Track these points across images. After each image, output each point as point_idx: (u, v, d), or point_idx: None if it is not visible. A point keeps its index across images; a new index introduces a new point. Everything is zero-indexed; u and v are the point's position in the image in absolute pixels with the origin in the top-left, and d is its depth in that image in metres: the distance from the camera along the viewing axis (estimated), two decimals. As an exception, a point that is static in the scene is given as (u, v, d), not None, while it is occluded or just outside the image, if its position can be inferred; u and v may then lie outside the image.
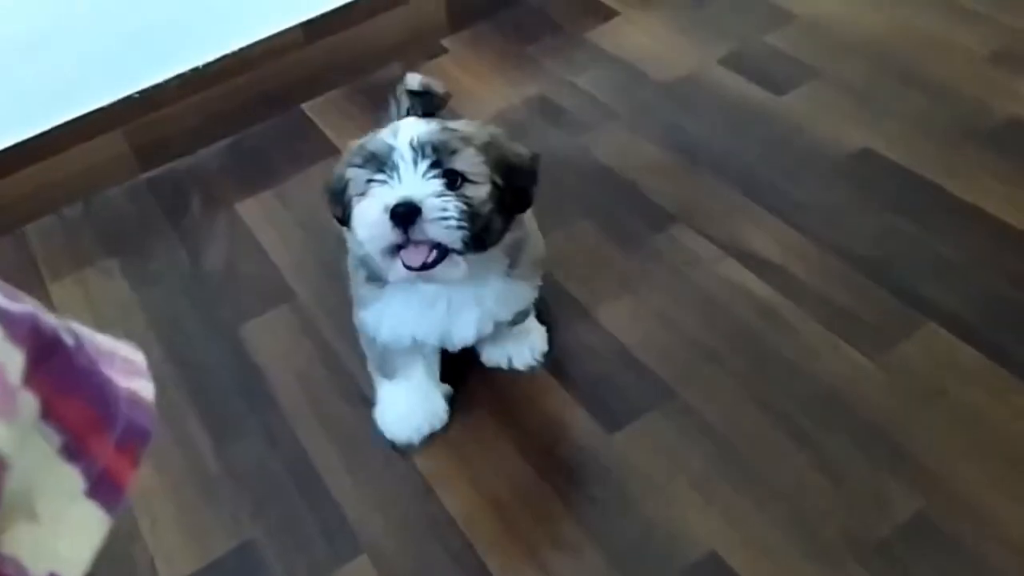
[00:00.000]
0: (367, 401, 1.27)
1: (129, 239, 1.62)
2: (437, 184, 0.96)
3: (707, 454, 1.14)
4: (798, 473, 1.10)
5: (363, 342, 1.21)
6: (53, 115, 1.63)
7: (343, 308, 1.35)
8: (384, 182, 0.97)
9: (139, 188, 1.72)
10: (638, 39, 1.82)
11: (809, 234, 1.37)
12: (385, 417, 1.23)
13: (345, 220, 1.04)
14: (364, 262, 1.08)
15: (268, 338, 1.40)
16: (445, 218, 0.94)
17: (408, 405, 1.21)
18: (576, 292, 1.36)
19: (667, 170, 1.53)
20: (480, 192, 0.98)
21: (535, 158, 1.06)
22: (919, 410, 1.14)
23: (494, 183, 0.99)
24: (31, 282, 1.55)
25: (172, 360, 1.39)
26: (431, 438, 1.21)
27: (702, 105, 1.64)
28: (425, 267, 0.97)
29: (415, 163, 0.96)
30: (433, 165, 0.96)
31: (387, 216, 0.94)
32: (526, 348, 1.28)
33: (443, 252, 0.97)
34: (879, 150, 1.47)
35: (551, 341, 1.30)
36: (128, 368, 0.49)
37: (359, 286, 1.13)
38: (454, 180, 0.97)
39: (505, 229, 1.03)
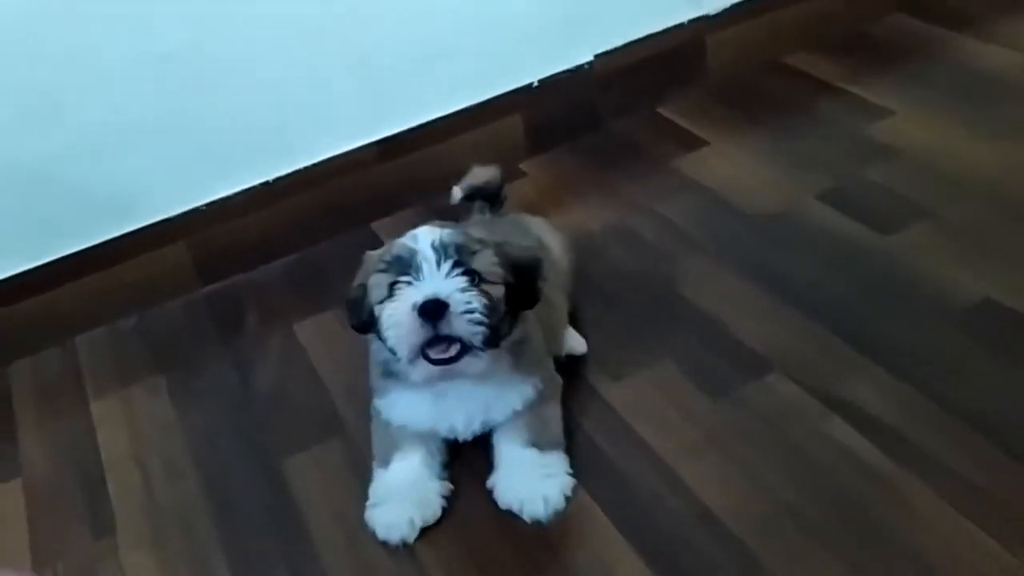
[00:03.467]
0: (408, 547, 1.13)
1: (180, 355, 1.55)
2: (461, 281, 1.03)
3: (807, 653, 0.95)
4: None
5: (373, 427, 1.22)
6: (118, 224, 1.60)
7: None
8: (409, 283, 1.03)
9: (197, 302, 1.66)
10: (728, 170, 1.71)
11: (926, 391, 1.19)
12: (375, 514, 1.16)
13: (366, 327, 1.11)
14: (385, 363, 1.14)
15: (311, 473, 1.28)
16: (471, 311, 1.01)
17: (399, 495, 1.15)
18: (653, 441, 1.21)
19: (758, 310, 1.38)
20: (496, 291, 1.06)
21: (538, 259, 1.15)
22: (1071, 617, 0.94)
23: (506, 283, 1.07)
24: (72, 398, 1.48)
25: (206, 490, 1.28)
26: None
27: (797, 241, 1.51)
28: (449, 360, 1.03)
29: (438, 263, 1.03)
30: (455, 265, 1.03)
31: (415, 314, 1.01)
32: (540, 498, 1.13)
33: (464, 348, 1.03)
34: (1001, 300, 1.31)
35: (623, 495, 1.15)
36: None
37: (376, 379, 1.18)
38: (472, 280, 1.04)
39: (512, 328, 1.11)
